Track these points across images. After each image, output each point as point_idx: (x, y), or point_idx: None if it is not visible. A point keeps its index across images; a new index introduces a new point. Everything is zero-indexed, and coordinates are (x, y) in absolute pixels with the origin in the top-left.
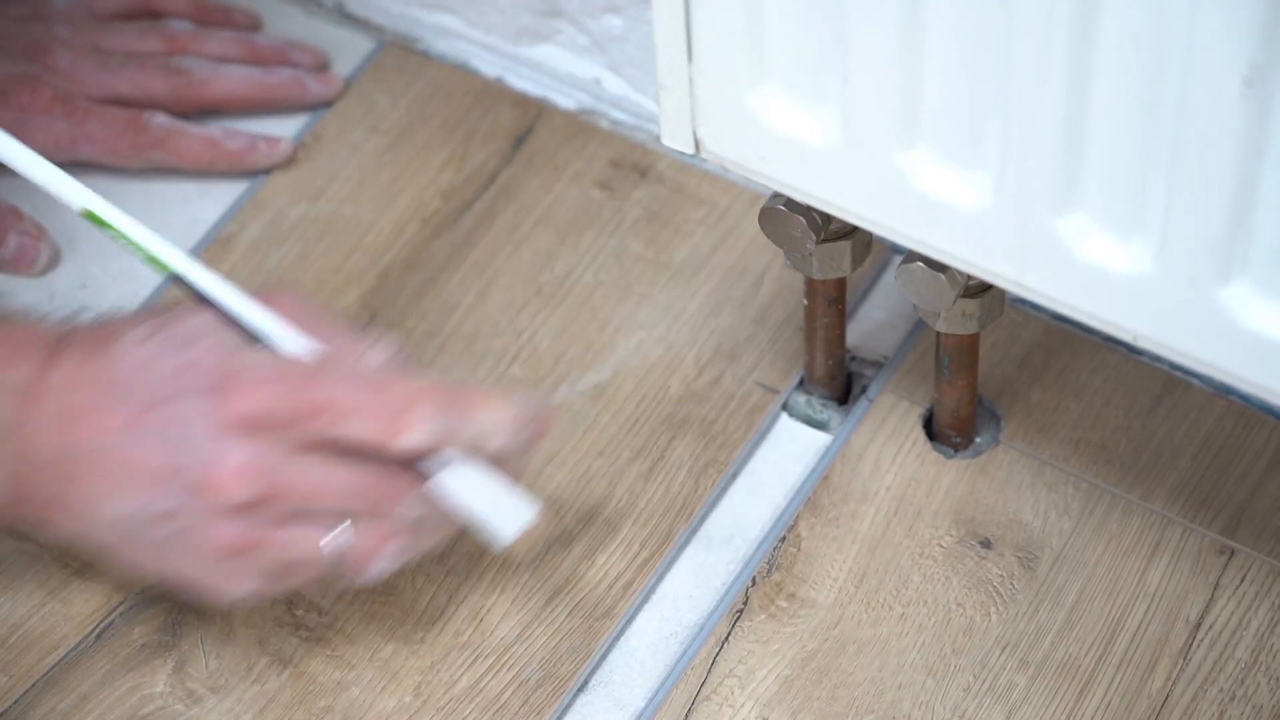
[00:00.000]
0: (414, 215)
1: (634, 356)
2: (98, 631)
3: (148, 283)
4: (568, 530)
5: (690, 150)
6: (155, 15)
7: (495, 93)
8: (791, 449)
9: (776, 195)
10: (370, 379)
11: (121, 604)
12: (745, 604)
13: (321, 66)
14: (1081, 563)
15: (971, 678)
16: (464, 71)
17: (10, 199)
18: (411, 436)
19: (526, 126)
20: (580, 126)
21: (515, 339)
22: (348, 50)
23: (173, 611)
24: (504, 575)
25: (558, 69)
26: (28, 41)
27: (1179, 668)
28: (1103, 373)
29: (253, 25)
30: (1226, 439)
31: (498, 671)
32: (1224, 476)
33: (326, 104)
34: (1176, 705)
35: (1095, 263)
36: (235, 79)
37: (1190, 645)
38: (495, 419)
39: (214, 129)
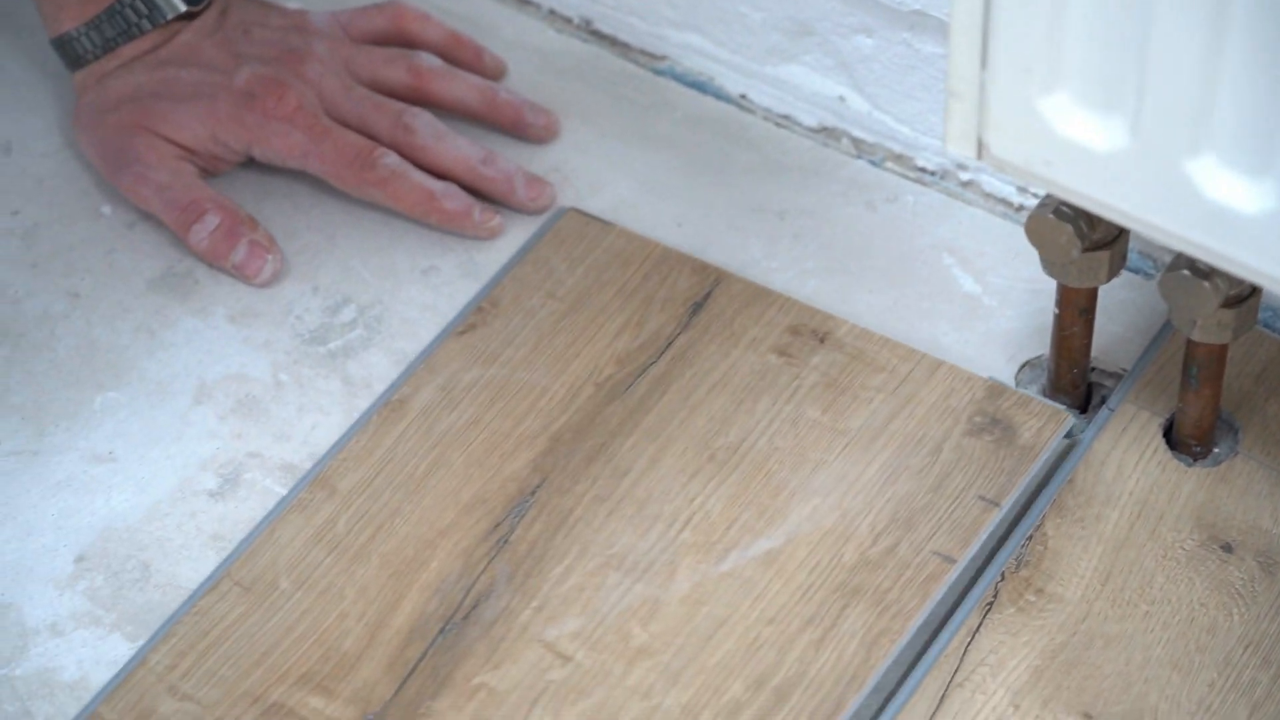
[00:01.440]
0: (588, 380)
1: (808, 523)
2: None
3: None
4: (736, 699)
5: (972, 155)
6: (409, 43)
7: (674, 259)
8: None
9: (1044, 204)
10: None
11: None
12: (995, 597)
13: (549, 128)
14: None
15: (1216, 674)
16: (642, 239)
17: (248, 208)
18: None
19: (704, 292)
20: (758, 293)
21: (687, 504)
22: (589, 70)
23: None
24: None
25: (802, 88)
26: (284, 50)
27: None
28: None
29: (498, 72)
30: None
31: None
32: None
33: (531, 211)
34: None
35: None
36: (453, 158)
37: None
38: None
39: (437, 184)
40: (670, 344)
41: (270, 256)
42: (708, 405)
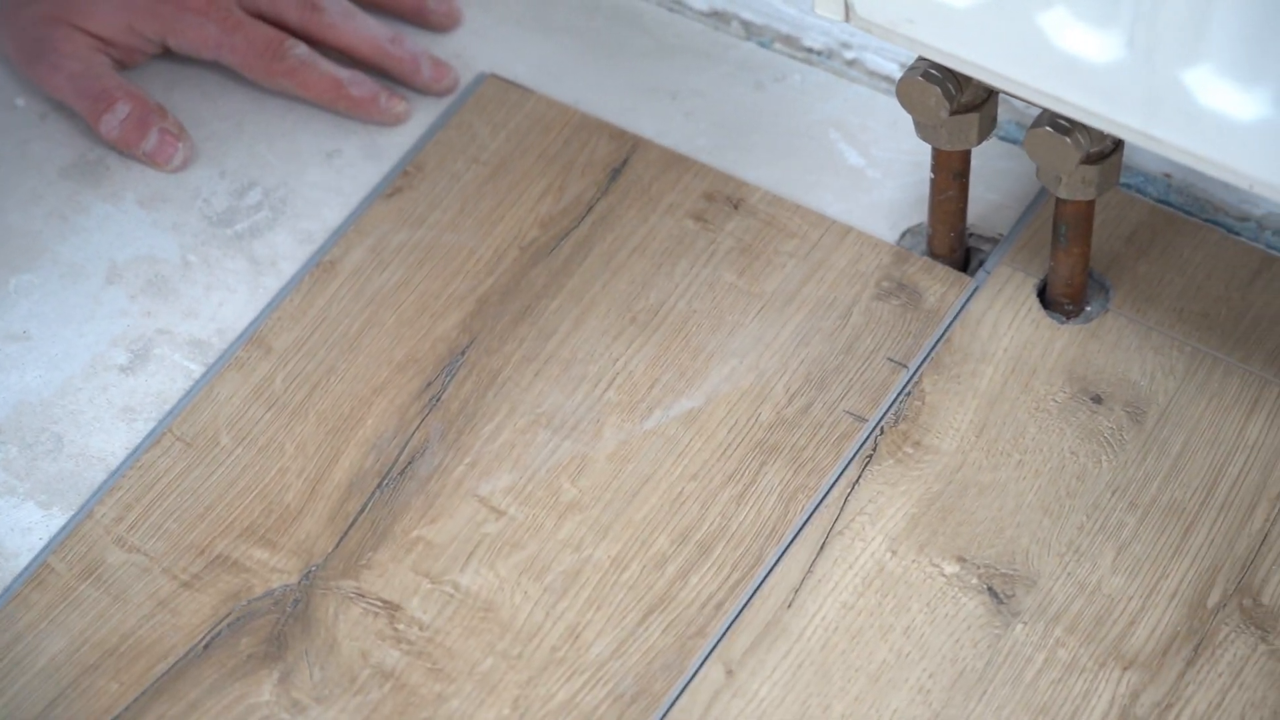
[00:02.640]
0: (513, 243)
1: (726, 384)
2: (205, 642)
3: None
4: (661, 551)
5: (840, 17)
6: None
7: (592, 125)
8: None
9: (915, 67)
10: None
11: (229, 615)
12: (875, 450)
13: (450, 15)
14: (1186, 417)
15: (1085, 517)
16: (561, 105)
17: (158, 97)
18: None
19: (622, 158)
20: (674, 159)
21: (611, 365)
22: None
23: (278, 624)
24: (600, 594)
25: None
26: None
27: (1277, 510)
28: (1204, 249)
29: None
30: None
31: (593, 687)
32: None
33: (435, 93)
34: (1276, 543)
35: (1218, 111)
36: (361, 37)
37: None
38: None
39: (345, 72)
40: (591, 208)
41: (180, 144)
42: (629, 268)
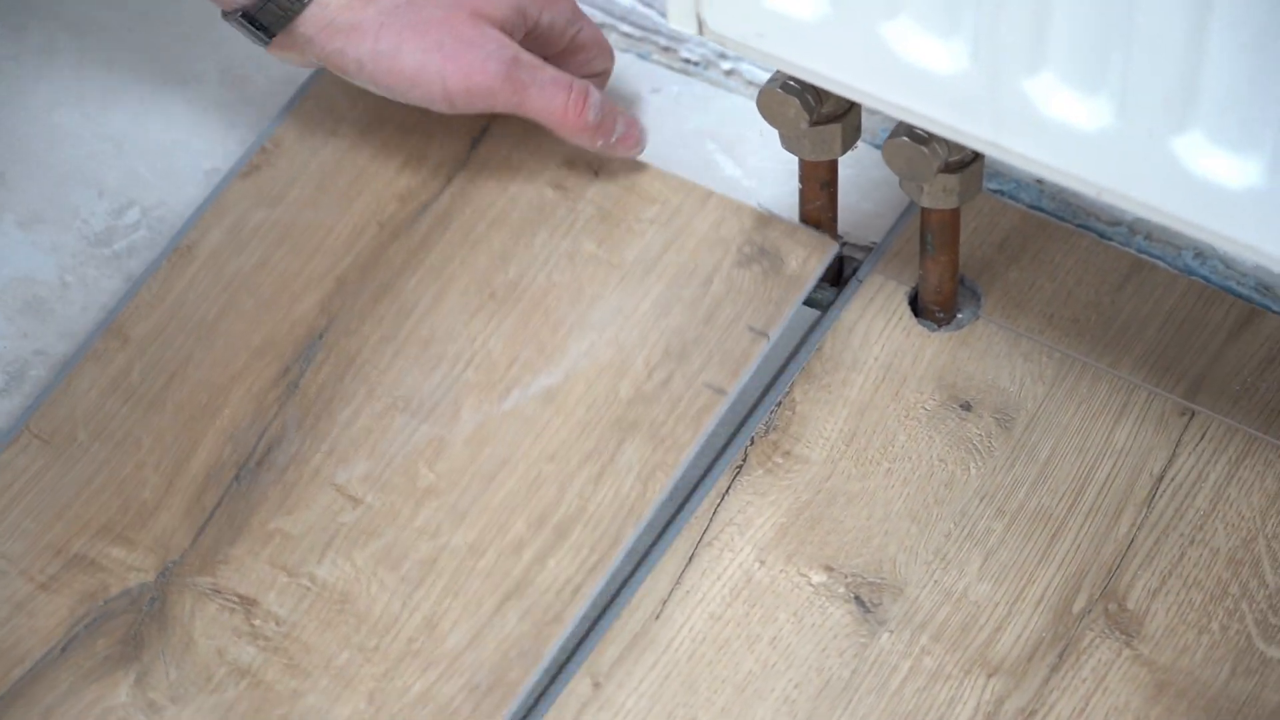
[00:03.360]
0: (372, 219)
1: (585, 359)
2: (62, 645)
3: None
4: (519, 536)
5: (694, 31)
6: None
7: None
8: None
9: (774, 78)
10: None
11: (85, 616)
12: (744, 461)
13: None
14: (1054, 423)
15: (952, 525)
16: None
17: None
18: None
19: (481, 127)
20: (533, 127)
21: (470, 343)
22: None
23: (135, 624)
24: (456, 582)
25: None
26: None
27: (1143, 515)
28: (1075, 255)
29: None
30: (1189, 313)
31: (450, 678)
32: (1186, 347)
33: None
34: (1140, 548)
35: (1062, 120)
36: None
37: (1154, 495)
38: None
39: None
40: (451, 180)
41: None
42: (488, 241)
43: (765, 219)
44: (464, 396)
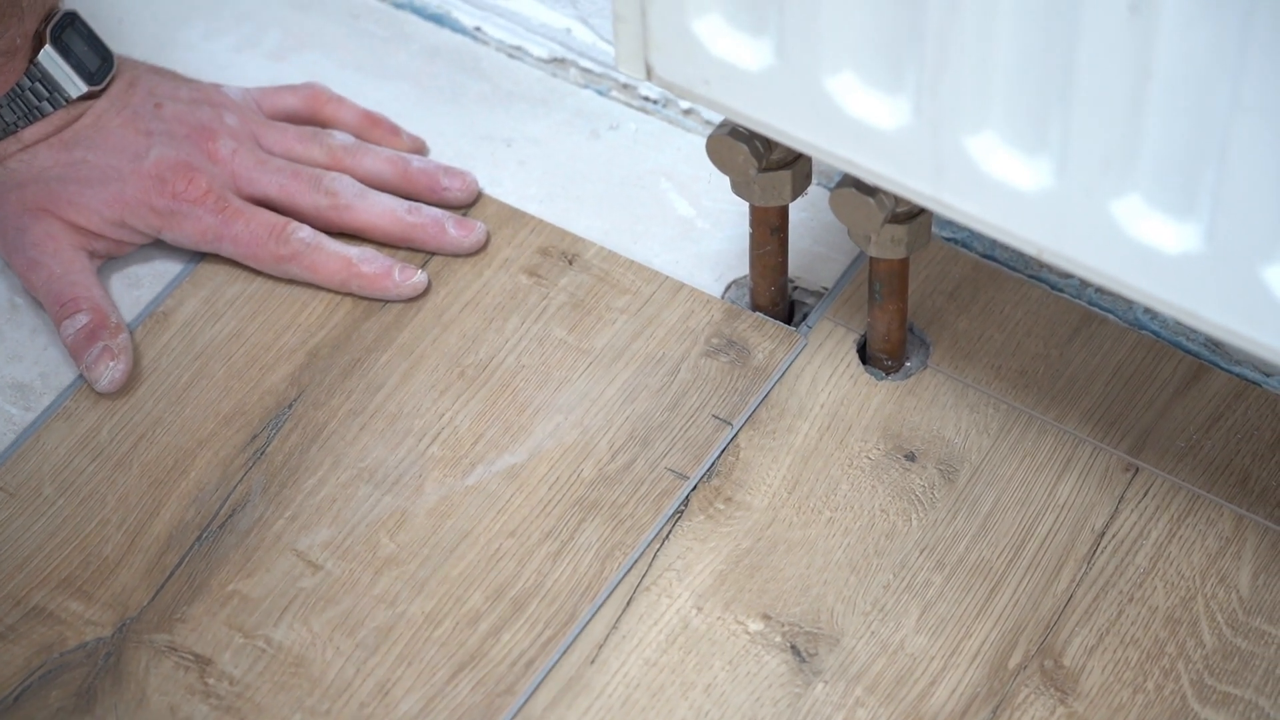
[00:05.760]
0: (347, 296)
1: (550, 440)
2: (16, 694)
3: None
4: (475, 608)
5: (642, 76)
6: (323, 123)
7: None
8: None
9: (723, 124)
10: None
11: (41, 668)
12: (686, 506)
13: (466, 189)
14: (998, 475)
15: (891, 576)
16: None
17: None
18: None
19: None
20: (512, 214)
21: (436, 420)
22: (331, 2)
23: (89, 677)
24: (411, 650)
25: (532, 20)
26: (194, 127)
27: (1083, 571)
28: (1025, 305)
29: (416, 149)
30: (1137, 368)
31: None
32: (1132, 402)
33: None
34: (1079, 605)
35: (1003, 179)
36: (379, 211)
37: (1094, 551)
38: None
39: (353, 250)
40: (426, 262)
41: (112, 363)
42: (460, 323)
43: (734, 311)
44: (428, 470)
